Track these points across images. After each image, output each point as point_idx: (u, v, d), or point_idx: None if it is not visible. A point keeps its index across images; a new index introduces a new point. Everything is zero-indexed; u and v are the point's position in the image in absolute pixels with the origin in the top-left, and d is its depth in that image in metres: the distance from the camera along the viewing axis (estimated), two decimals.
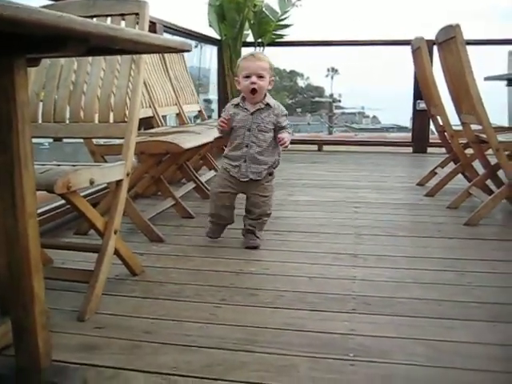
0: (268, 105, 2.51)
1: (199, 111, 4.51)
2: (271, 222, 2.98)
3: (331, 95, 41.48)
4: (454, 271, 2.24)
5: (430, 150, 6.11)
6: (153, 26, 4.27)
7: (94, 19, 2.19)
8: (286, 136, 2.46)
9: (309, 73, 48.01)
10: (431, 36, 3.58)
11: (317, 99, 43.11)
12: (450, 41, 3.00)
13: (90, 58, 2.18)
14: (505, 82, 4.13)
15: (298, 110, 45.50)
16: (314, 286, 2.06)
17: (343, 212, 3.25)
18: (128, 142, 2.00)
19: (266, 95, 2.53)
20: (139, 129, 3.63)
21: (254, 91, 2.46)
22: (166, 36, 4.69)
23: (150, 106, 3.54)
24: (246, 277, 2.16)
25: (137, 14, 2.14)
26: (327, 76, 44.91)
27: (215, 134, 3.21)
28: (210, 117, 6.72)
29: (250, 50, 6.14)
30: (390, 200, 3.61)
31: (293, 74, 50.30)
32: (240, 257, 2.40)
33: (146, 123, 3.65)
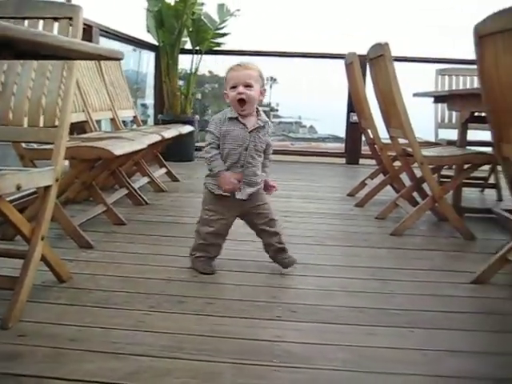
0: (266, 123, 2.31)
1: (134, 117, 4.48)
2: None
3: (269, 104, 41.86)
4: (378, 280, 2.32)
5: (362, 161, 6.29)
6: (88, 30, 4.23)
7: (26, 21, 2.16)
8: (272, 182, 2.42)
9: None
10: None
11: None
12: (379, 58, 3.12)
13: (19, 63, 2.14)
14: (432, 99, 4.30)
15: None
16: (242, 294, 2.09)
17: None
18: (58, 147, 1.97)
19: (258, 109, 2.30)
20: (72, 133, 3.62)
21: (241, 102, 2.22)
22: (102, 40, 4.65)
23: (83, 111, 3.49)
24: (175, 284, 2.17)
25: (70, 18, 2.12)
26: (266, 85, 45.32)
27: (149, 140, 3.22)
28: (145, 122, 6.68)
29: (188, 57, 6.17)
30: (321, 210, 3.70)
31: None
32: (171, 264, 2.41)
33: (79, 128, 3.60)
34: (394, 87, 2.94)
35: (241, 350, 1.63)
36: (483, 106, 2.30)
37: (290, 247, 2.54)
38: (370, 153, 4.85)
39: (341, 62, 4.43)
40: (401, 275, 2.40)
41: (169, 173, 4.53)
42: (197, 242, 2.37)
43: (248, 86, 2.24)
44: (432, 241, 3.06)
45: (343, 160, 6.45)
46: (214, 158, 2.27)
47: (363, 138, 6.27)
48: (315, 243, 2.85)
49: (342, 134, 6.59)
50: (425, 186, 3.44)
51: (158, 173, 4.33)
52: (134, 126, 4.47)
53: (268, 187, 2.40)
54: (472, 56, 2.31)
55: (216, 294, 2.07)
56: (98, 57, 1.48)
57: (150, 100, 6.82)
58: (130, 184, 3.49)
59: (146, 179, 3.99)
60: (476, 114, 3.35)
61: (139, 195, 3.54)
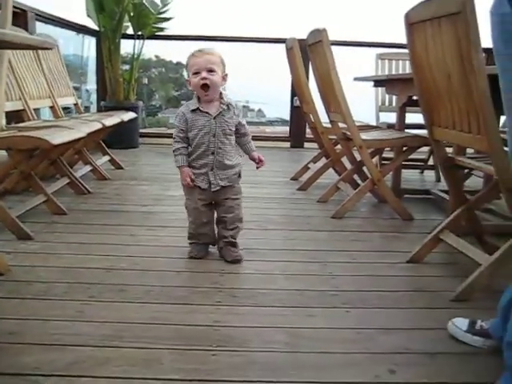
0: (229, 105, 2.32)
1: (75, 104, 4.40)
2: (145, 217, 3.01)
3: None
4: (317, 262, 2.38)
5: (307, 144, 6.36)
6: (23, 14, 4.13)
7: None
8: (259, 155, 2.42)
9: None
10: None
11: None
12: (317, 44, 3.16)
13: None
14: (372, 83, 4.39)
15: (183, 102, 45.14)
16: (182, 281, 2.12)
17: None
18: None
19: (221, 93, 2.32)
20: (9, 123, 3.54)
21: (205, 87, 2.24)
22: (39, 25, 4.54)
23: (20, 99, 3.41)
24: (116, 273, 2.17)
25: None
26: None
27: (89, 128, 3.18)
28: (87, 108, 6.56)
29: (130, 42, 6.08)
30: (264, 194, 3.74)
31: (179, 66, 49.72)
32: (111, 253, 2.40)
33: (17, 117, 3.53)
34: (332, 72, 2.99)
35: (180, 336, 1.66)
36: (415, 90, 2.37)
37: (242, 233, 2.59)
38: (313, 137, 4.98)
39: (282, 47, 4.46)
40: (340, 257, 2.47)
41: (112, 160, 4.48)
42: (188, 231, 2.44)
43: (210, 70, 2.26)
44: (372, 222, 3.14)
45: (288, 144, 6.51)
46: (176, 153, 2.33)
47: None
48: (257, 228, 2.89)
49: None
50: (365, 169, 3.53)
51: (101, 161, 4.28)
52: (76, 114, 4.39)
53: (257, 161, 2.42)
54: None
55: (157, 282, 2.08)
56: (28, 47, 1.46)
57: (92, 85, 6.70)
58: (71, 173, 3.44)
59: (88, 167, 3.94)
60: (414, 97, 3.45)
61: (81, 184, 3.50)
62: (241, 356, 1.56)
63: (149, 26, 6.01)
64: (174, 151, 2.33)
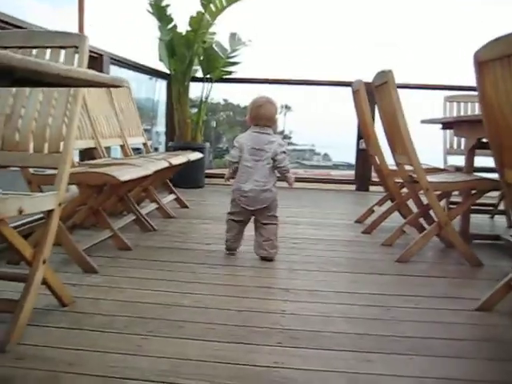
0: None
1: (144, 144, 4.54)
2: (207, 255, 3.03)
3: (282, 132, 42.15)
4: (379, 306, 2.31)
5: (372, 188, 6.29)
6: (99, 58, 4.32)
7: (34, 50, 2.22)
8: None
9: None
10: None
11: None
12: (383, 85, 3.14)
13: (27, 89, 2.19)
14: (440, 126, 4.32)
15: None
16: (242, 319, 2.09)
17: (280, 247, 3.31)
18: (61, 172, 2.01)
19: None
20: (82, 160, 3.68)
21: None
22: (113, 68, 4.74)
23: (92, 138, 3.55)
24: (176, 309, 2.17)
25: (76, 47, 2.17)
26: (280, 113, 45.58)
27: (156, 167, 3.25)
28: (156, 149, 6.74)
29: (198, 85, 6.25)
30: (328, 236, 3.70)
31: (246, 110, 50.63)
32: (172, 289, 2.41)
33: (89, 154, 3.66)
34: (398, 113, 2.96)
35: (238, 376, 1.63)
36: (485, 131, 2.30)
37: (295, 274, 2.56)
38: (379, 179, 4.93)
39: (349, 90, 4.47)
40: (403, 302, 2.38)
41: (178, 199, 4.56)
42: None
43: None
44: (438, 267, 3.04)
45: (353, 187, 6.46)
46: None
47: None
48: (319, 269, 2.84)
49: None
50: (432, 212, 3.44)
51: (167, 199, 4.37)
52: (144, 153, 4.51)
53: None
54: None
55: (217, 320, 2.07)
56: (99, 84, 1.52)
57: (162, 128, 6.91)
58: (137, 210, 3.52)
59: (154, 205, 4.02)
60: (483, 140, 3.36)
61: (147, 221, 3.57)
62: None
63: (217, 70, 6.17)
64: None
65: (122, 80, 1.65)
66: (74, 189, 2.68)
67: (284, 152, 2.96)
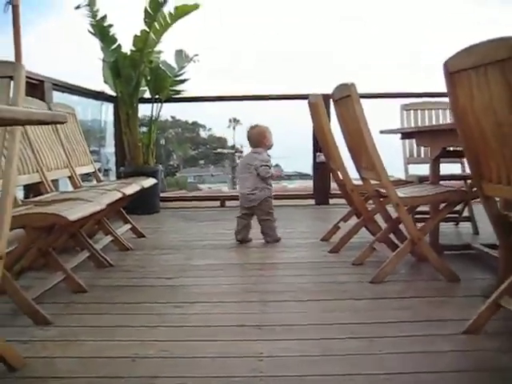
0: None
1: (93, 172, 4.28)
2: (170, 292, 2.81)
3: (233, 146, 42.09)
4: (362, 338, 2.14)
5: (332, 200, 6.18)
6: (40, 85, 4.07)
7: None
8: None
9: (211, 124, 48.19)
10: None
11: (219, 150, 43.42)
12: (345, 99, 3.01)
13: None
14: (399, 135, 4.24)
15: (201, 161, 45.65)
16: (218, 369, 1.88)
17: (247, 275, 3.13)
18: (1, 221, 1.77)
19: None
20: (27, 196, 3.41)
21: None
22: (56, 94, 4.49)
23: (37, 171, 3.29)
24: (143, 362, 1.94)
25: (11, 76, 1.95)
26: (229, 127, 45.39)
27: (109, 199, 3.03)
28: (107, 172, 6.43)
29: (147, 106, 6.03)
30: (295, 259, 3.52)
31: (195, 126, 50.44)
32: (136, 338, 2.17)
33: (35, 189, 3.40)
34: (363, 129, 2.82)
35: None
36: (460, 144, 2.18)
37: (267, 307, 2.39)
38: (339, 192, 4.84)
39: (301, 103, 4.41)
40: (386, 329, 2.23)
41: (133, 228, 4.32)
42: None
43: None
44: (414, 286, 2.90)
45: (312, 201, 6.32)
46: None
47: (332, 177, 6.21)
48: (292, 299, 2.65)
49: (308, 170, 6.50)
50: (402, 226, 3.33)
51: (122, 229, 4.12)
52: (94, 182, 4.26)
53: None
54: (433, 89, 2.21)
55: (189, 372, 1.85)
56: (37, 122, 1.30)
57: (111, 148, 6.58)
58: (91, 245, 3.27)
59: (109, 238, 3.77)
60: (450, 148, 3.28)
61: (102, 256, 3.32)
62: None
63: (166, 90, 5.96)
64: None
65: (63, 116, 1.44)
66: (19, 232, 2.44)
67: (263, 165, 3.98)
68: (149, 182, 4.14)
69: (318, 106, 3.67)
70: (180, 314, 2.46)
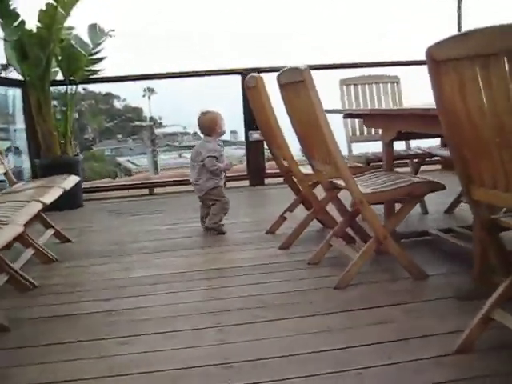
0: None
1: (5, 173, 3.74)
2: (111, 321, 2.41)
3: (151, 118, 41.01)
4: (347, 371, 1.85)
5: (267, 180, 5.89)
6: None
7: None
8: None
9: (125, 94, 46.60)
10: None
11: (137, 123, 42.16)
12: (296, 84, 2.66)
13: None
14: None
15: (119, 135, 44.34)
16: None
17: (196, 289, 2.77)
18: None
19: None
20: None
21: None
22: None
23: None
24: None
25: None
26: (144, 96, 44.04)
27: (27, 215, 2.57)
28: (21, 173, 5.77)
29: (61, 89, 5.46)
30: (245, 262, 3.16)
31: (109, 97, 48.60)
32: None
33: None
34: (320, 119, 2.49)
35: None
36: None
37: (226, 335, 2.10)
38: (275, 171, 4.85)
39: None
40: (369, 355, 1.94)
41: (57, 233, 3.83)
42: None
43: None
44: (382, 289, 2.62)
45: (247, 182, 5.99)
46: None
47: (266, 155, 5.90)
48: (253, 320, 2.30)
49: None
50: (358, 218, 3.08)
51: (44, 237, 3.61)
52: (8, 187, 3.71)
53: None
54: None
55: None
56: None
57: (22, 124, 5.89)
58: (10, 267, 2.80)
59: (30, 251, 3.27)
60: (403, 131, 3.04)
61: (23, 278, 2.85)
62: None
63: (80, 70, 5.37)
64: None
65: None
66: None
67: (210, 156, 3.76)
68: (71, 181, 3.67)
69: (259, 90, 3.30)
70: (127, 355, 2.05)
